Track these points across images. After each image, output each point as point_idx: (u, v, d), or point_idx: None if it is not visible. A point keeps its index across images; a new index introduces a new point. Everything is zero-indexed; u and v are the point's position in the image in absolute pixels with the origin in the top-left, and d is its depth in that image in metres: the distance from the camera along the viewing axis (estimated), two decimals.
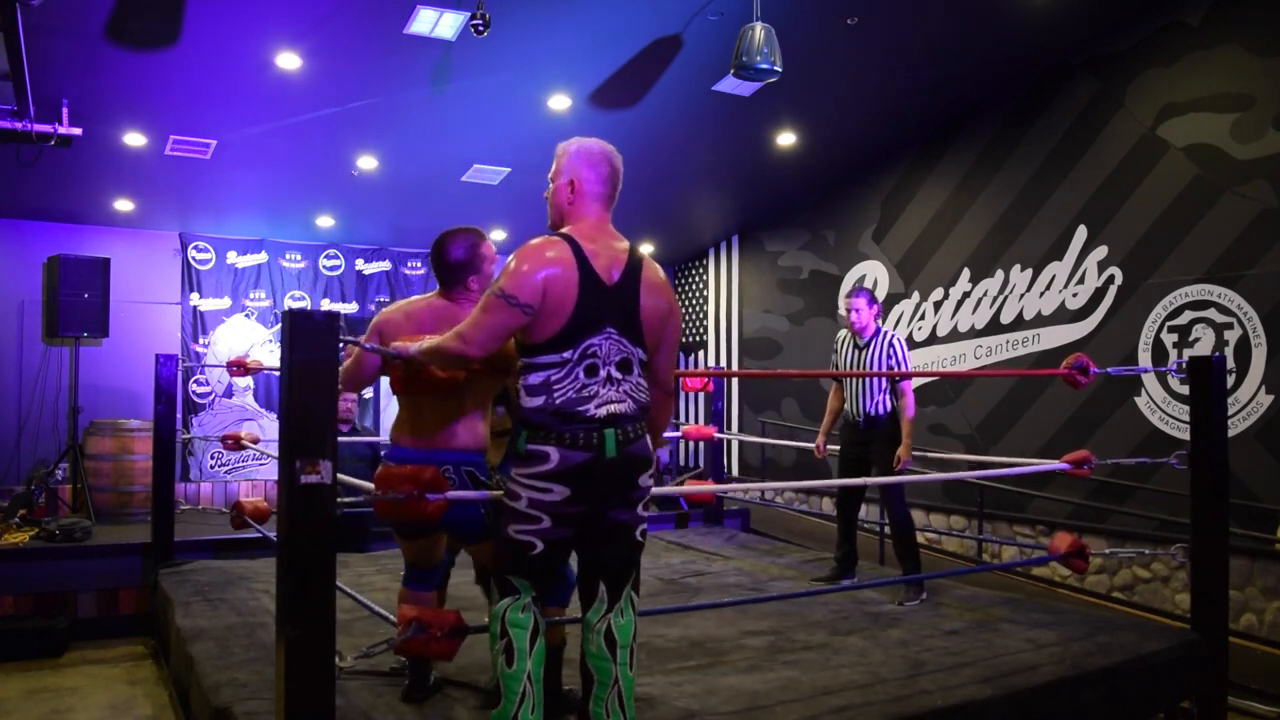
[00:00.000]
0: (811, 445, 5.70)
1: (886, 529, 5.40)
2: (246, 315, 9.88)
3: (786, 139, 8.65)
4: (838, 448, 5.40)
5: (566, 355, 2.58)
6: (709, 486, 6.58)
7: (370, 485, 2.92)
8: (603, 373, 2.60)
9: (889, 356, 5.06)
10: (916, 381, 8.68)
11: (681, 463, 11.88)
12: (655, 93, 7.54)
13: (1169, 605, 6.48)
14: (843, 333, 5.32)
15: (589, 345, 2.59)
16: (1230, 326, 6.36)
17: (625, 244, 2.73)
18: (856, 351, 5.19)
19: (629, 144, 8.34)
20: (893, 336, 5.12)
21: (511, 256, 2.60)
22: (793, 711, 3.15)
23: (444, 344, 2.63)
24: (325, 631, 2.40)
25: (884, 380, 5.08)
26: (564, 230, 2.70)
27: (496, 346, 2.60)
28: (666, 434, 10.97)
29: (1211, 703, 3.97)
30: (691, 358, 12.08)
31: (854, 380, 5.14)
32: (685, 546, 6.45)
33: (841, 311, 9.76)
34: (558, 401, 2.56)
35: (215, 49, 6.50)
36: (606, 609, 2.64)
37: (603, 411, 2.58)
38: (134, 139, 7.59)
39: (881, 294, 9.21)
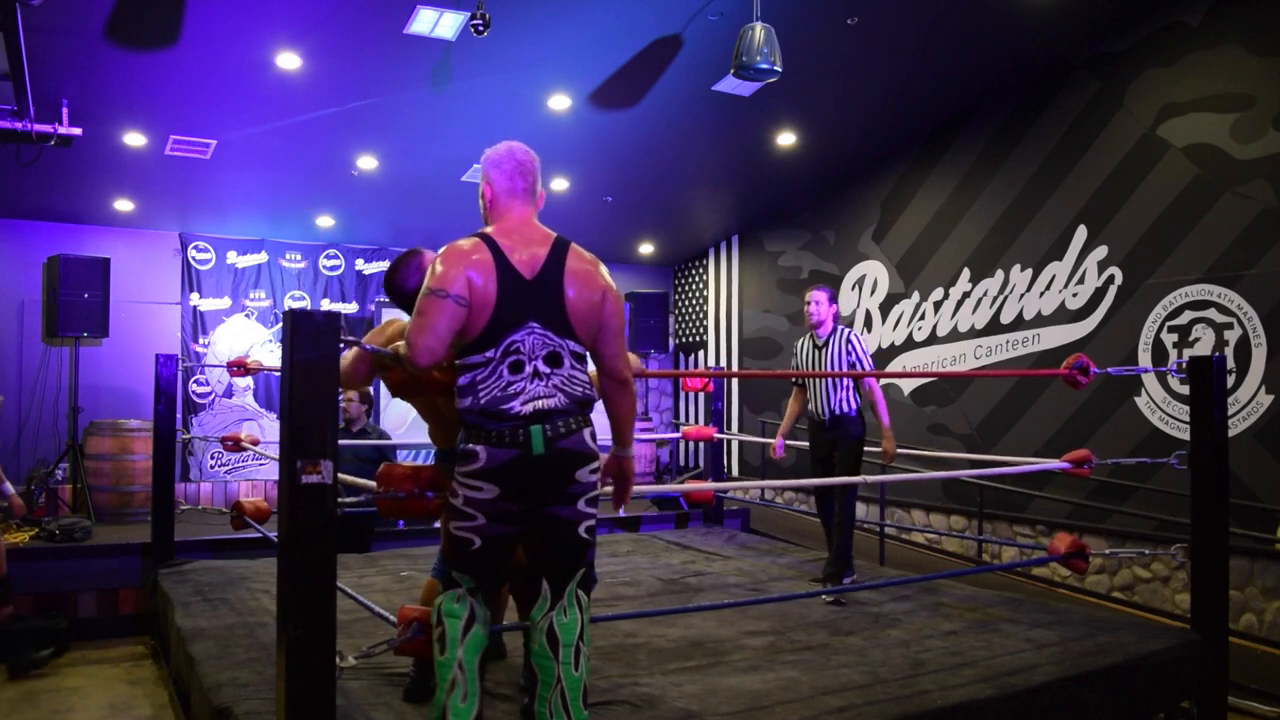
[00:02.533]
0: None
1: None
2: (246, 315, 9.88)
3: (786, 139, 8.65)
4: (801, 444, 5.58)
5: (490, 354, 2.57)
6: (710, 485, 6.59)
7: (372, 484, 2.93)
8: (529, 368, 2.57)
9: (848, 353, 5.13)
10: (916, 381, 8.70)
11: (681, 463, 11.87)
12: (655, 93, 7.54)
13: (1169, 605, 6.48)
14: (802, 339, 5.41)
15: (511, 341, 2.57)
16: (1230, 326, 6.37)
17: (550, 236, 2.71)
18: (816, 351, 5.26)
19: (629, 144, 8.44)
20: (850, 333, 5.20)
21: (434, 258, 2.63)
22: (793, 711, 3.15)
23: (399, 352, 2.62)
24: (326, 631, 2.41)
25: (846, 378, 5.12)
26: (482, 230, 2.71)
27: (443, 349, 2.54)
28: (666, 434, 10.90)
29: (1211, 703, 3.97)
30: (691, 358, 12.09)
31: (815, 379, 5.20)
32: (685, 546, 6.45)
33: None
34: (483, 401, 2.55)
35: (215, 49, 6.50)
36: (549, 607, 2.60)
37: (529, 408, 2.55)
38: (134, 139, 7.60)
39: (881, 294, 9.22)
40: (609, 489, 2.93)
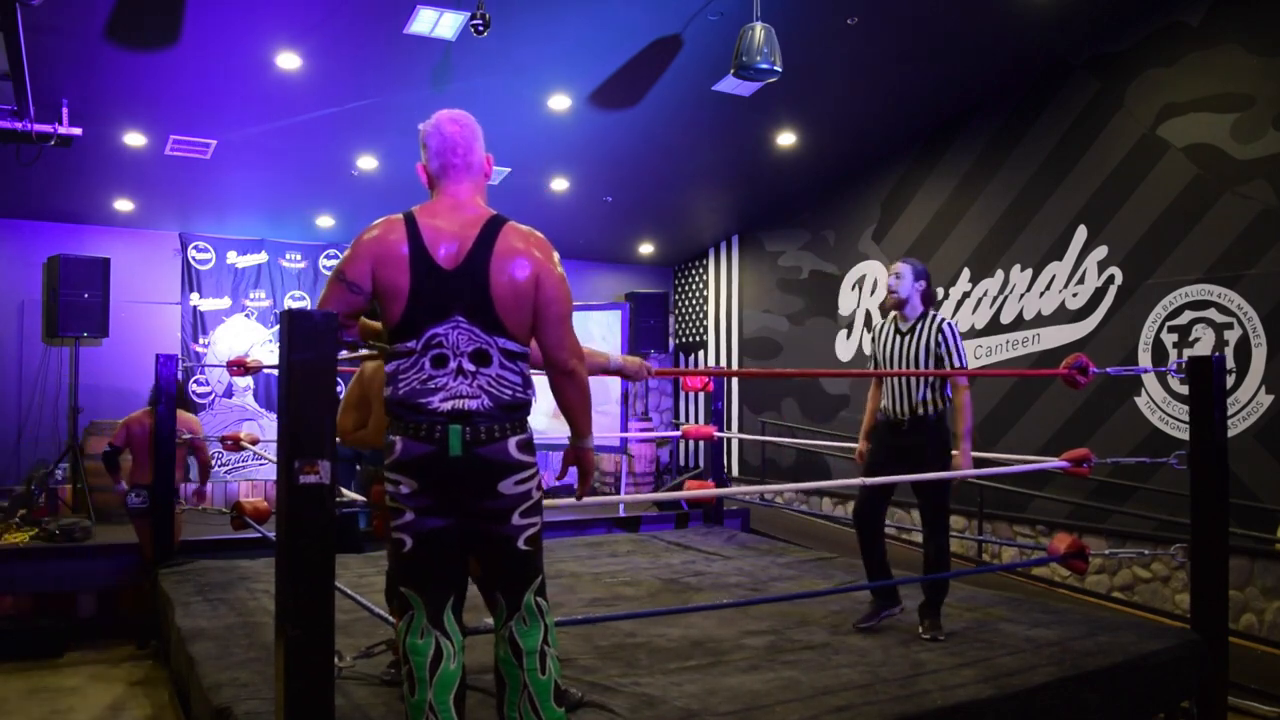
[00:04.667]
0: (811, 444, 5.45)
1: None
2: (246, 315, 9.88)
3: (786, 139, 8.65)
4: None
5: (411, 345, 2.45)
6: (711, 491, 6.58)
7: (357, 497, 2.91)
8: (453, 364, 2.44)
9: (938, 345, 4.15)
10: None
11: (681, 462, 11.87)
12: (655, 93, 7.54)
13: (1169, 605, 6.48)
14: (884, 322, 4.43)
15: (433, 334, 2.44)
16: (1230, 326, 6.36)
17: (482, 218, 2.51)
18: (899, 338, 4.27)
19: (629, 144, 8.45)
20: (944, 321, 4.21)
21: (355, 238, 2.54)
22: (793, 711, 3.15)
23: None
24: (325, 631, 2.41)
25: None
26: (412, 208, 2.55)
27: (343, 325, 2.52)
28: (667, 434, 10.84)
29: (1211, 703, 3.97)
30: (691, 358, 12.08)
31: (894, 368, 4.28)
32: (685, 546, 6.45)
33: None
34: (402, 392, 2.45)
35: (215, 49, 6.50)
36: (507, 617, 2.53)
37: (448, 406, 2.42)
38: (134, 139, 7.60)
39: (881, 294, 9.21)
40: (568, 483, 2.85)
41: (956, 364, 4.12)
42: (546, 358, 2.56)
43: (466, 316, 2.45)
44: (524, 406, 2.52)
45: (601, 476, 10.96)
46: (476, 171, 2.62)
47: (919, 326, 4.23)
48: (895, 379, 4.24)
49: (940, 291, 8.58)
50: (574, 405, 2.60)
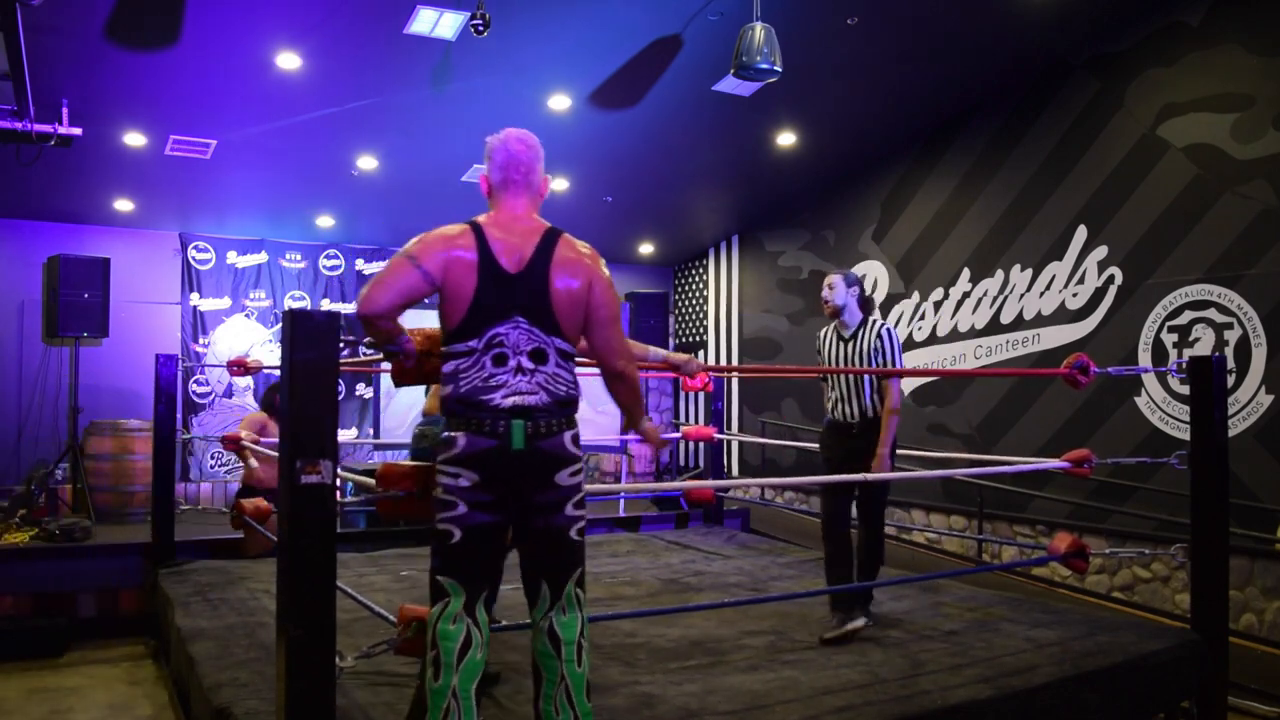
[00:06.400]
0: (811, 446, 5.43)
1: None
2: (246, 315, 9.88)
3: (786, 139, 8.65)
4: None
5: (473, 344, 2.58)
6: (709, 483, 6.59)
7: (369, 481, 2.93)
8: (513, 362, 2.58)
9: (877, 350, 4.40)
10: (917, 381, 8.70)
11: (681, 463, 11.87)
12: (655, 93, 7.54)
13: (1169, 605, 6.48)
14: (826, 329, 4.65)
15: (495, 334, 2.58)
16: (1230, 326, 6.36)
17: (541, 228, 2.70)
18: (841, 344, 4.50)
19: (629, 144, 8.45)
20: (883, 326, 4.45)
21: (421, 235, 2.66)
22: (793, 711, 3.15)
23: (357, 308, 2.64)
24: (326, 631, 2.41)
25: (873, 377, 4.42)
26: (475, 218, 2.71)
27: (388, 309, 2.57)
28: (667, 434, 10.90)
29: (1211, 703, 3.97)
30: None
31: (843, 377, 4.44)
32: (685, 546, 6.45)
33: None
34: (463, 390, 2.57)
35: (215, 49, 6.50)
36: (549, 607, 2.62)
37: (509, 402, 2.55)
38: (134, 139, 7.60)
39: (881, 294, 9.22)
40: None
41: (894, 365, 4.38)
42: (599, 360, 2.74)
43: (527, 318, 2.60)
44: (574, 402, 2.68)
45: (601, 477, 10.97)
46: (535, 190, 2.82)
47: (860, 333, 4.46)
48: (845, 387, 4.43)
49: (940, 291, 8.59)
50: (626, 401, 2.83)
